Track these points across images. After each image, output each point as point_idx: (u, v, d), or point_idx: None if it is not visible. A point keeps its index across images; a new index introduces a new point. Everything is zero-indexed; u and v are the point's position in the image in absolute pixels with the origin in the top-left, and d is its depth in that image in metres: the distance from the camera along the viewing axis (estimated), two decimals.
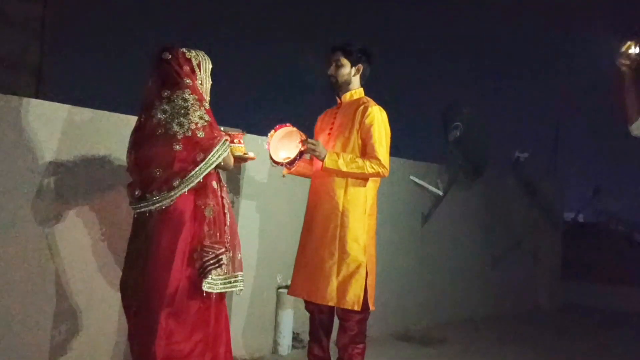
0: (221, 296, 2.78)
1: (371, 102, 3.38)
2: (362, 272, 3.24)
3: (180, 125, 2.63)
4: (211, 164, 2.66)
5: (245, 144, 3.01)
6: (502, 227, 6.85)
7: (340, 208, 3.28)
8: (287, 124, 3.35)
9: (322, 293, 3.24)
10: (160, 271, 2.62)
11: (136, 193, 2.68)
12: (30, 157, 3.18)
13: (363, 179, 3.31)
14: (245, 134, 3.11)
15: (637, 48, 3.05)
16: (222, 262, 2.66)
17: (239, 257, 2.82)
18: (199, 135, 2.64)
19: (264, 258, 4.38)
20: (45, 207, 3.22)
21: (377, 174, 3.27)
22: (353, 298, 3.21)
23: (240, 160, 3.00)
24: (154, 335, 2.58)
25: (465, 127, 6.04)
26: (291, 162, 3.26)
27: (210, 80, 2.87)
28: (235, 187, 4.16)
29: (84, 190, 3.37)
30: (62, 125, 3.29)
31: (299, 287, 3.39)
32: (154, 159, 2.63)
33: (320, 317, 3.42)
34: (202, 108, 2.70)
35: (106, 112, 3.50)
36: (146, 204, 2.65)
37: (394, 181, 5.23)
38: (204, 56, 2.85)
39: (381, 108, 3.35)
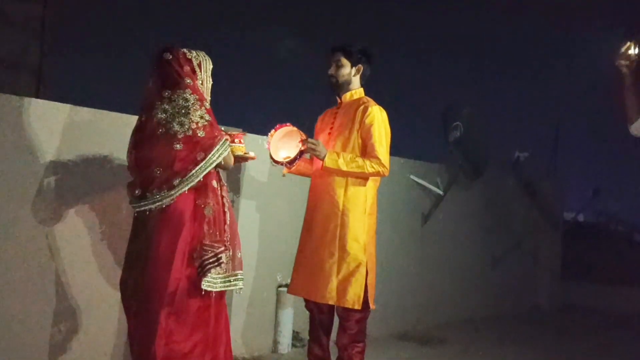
0: (221, 295, 2.78)
1: (371, 102, 3.38)
2: (362, 271, 3.25)
3: (181, 124, 2.63)
4: (211, 164, 2.67)
5: (245, 143, 3.02)
6: (502, 227, 6.86)
7: (340, 207, 3.29)
8: (287, 124, 3.35)
9: (322, 292, 3.24)
10: (160, 271, 2.62)
11: (136, 192, 2.69)
12: (30, 157, 3.18)
13: (363, 178, 3.31)
14: (245, 134, 3.12)
15: (637, 48, 3.05)
16: (221, 260, 2.67)
17: (239, 256, 2.82)
18: (199, 134, 2.64)
19: (263, 257, 4.39)
20: (45, 207, 3.23)
21: (377, 174, 3.27)
22: (353, 297, 3.21)
23: (240, 160, 3.01)
24: (154, 335, 2.58)
25: (465, 127, 6.05)
26: (291, 162, 3.26)
27: (210, 80, 2.88)
28: (235, 187, 4.17)
29: (84, 190, 3.38)
30: (62, 125, 3.29)
31: (298, 286, 3.39)
32: (154, 159, 2.64)
33: (320, 316, 3.42)
34: (203, 108, 2.71)
35: (106, 112, 3.50)
36: (146, 202, 2.65)
37: (394, 181, 5.24)
38: (204, 56, 2.86)
39: (381, 108, 3.36)
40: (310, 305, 3.43)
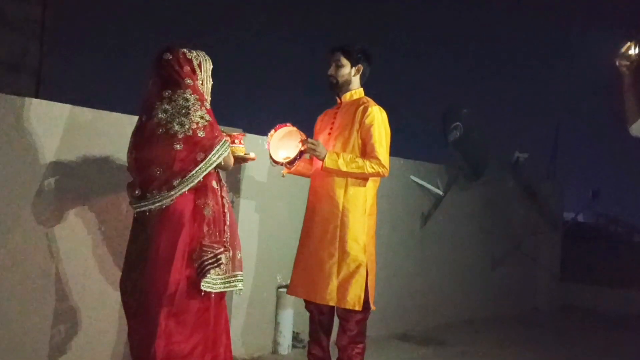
0: (221, 296, 2.78)
1: (371, 102, 3.38)
2: (363, 272, 3.25)
3: (181, 124, 2.63)
4: (212, 164, 2.66)
5: (245, 144, 3.02)
6: (501, 228, 6.85)
7: (340, 208, 3.28)
8: (287, 124, 3.35)
9: (322, 293, 3.24)
10: (159, 271, 2.62)
11: (136, 192, 2.69)
12: (30, 157, 3.18)
13: (363, 178, 3.31)
14: (245, 134, 3.12)
15: (637, 48, 3.04)
16: (220, 261, 2.66)
17: (239, 257, 2.81)
18: (199, 134, 2.64)
19: (263, 258, 4.38)
20: (45, 207, 3.22)
21: (377, 174, 3.27)
22: (354, 298, 3.21)
23: (240, 160, 3.01)
24: (154, 336, 2.58)
25: (465, 128, 6.05)
26: (291, 162, 3.26)
27: (210, 80, 2.88)
28: (235, 187, 4.16)
29: (84, 190, 3.37)
30: (62, 125, 3.29)
31: (298, 287, 3.39)
32: (154, 159, 2.63)
33: (320, 317, 3.42)
34: (203, 108, 2.70)
35: (106, 112, 3.50)
36: (146, 203, 2.65)
37: (394, 181, 5.24)
38: (204, 56, 2.85)
39: (381, 108, 3.36)
40: (310, 306, 3.42)
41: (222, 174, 2.88)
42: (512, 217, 7.06)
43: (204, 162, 2.64)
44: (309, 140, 3.23)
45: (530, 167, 7.55)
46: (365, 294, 3.24)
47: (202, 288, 2.63)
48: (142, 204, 2.66)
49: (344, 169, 3.21)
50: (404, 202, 5.60)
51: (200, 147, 2.64)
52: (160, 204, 2.63)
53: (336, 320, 3.42)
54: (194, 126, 2.64)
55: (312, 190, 3.47)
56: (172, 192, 2.62)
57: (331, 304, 3.25)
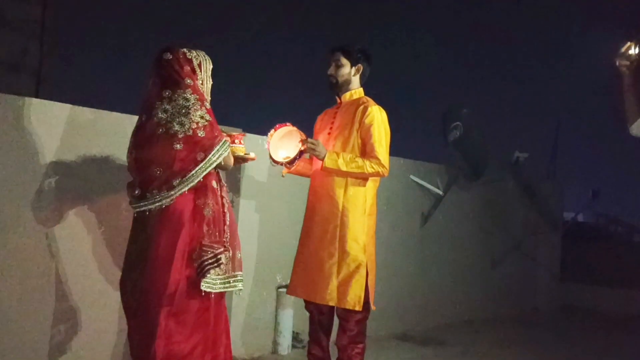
0: (221, 296, 2.78)
1: (371, 101, 3.38)
2: (363, 271, 3.25)
3: (181, 124, 2.63)
4: (211, 164, 2.66)
5: (245, 144, 3.02)
6: (501, 228, 6.85)
7: (340, 208, 3.28)
8: (287, 124, 3.35)
9: (322, 293, 3.24)
10: (159, 271, 2.62)
11: (136, 192, 2.69)
12: (30, 157, 3.18)
13: (363, 178, 3.31)
14: (245, 134, 3.11)
15: (637, 48, 3.04)
16: (220, 261, 2.66)
17: (239, 257, 2.81)
18: (199, 134, 2.64)
19: (263, 258, 4.39)
20: (45, 207, 3.22)
21: (377, 174, 3.27)
22: (354, 298, 3.21)
23: (240, 160, 3.01)
24: (154, 336, 2.58)
25: (465, 127, 6.05)
26: (291, 162, 3.26)
27: (211, 80, 2.88)
28: (235, 187, 4.16)
29: (84, 190, 3.37)
30: (62, 125, 3.29)
31: (298, 287, 3.39)
32: (154, 159, 2.63)
33: (320, 317, 3.42)
34: (203, 108, 2.70)
35: (106, 112, 3.51)
36: (146, 203, 2.65)
37: (394, 181, 5.24)
38: (204, 56, 2.85)
39: (381, 108, 3.36)
40: (310, 306, 3.42)
41: (222, 174, 2.88)
42: (512, 217, 7.06)
43: (204, 162, 2.64)
44: (309, 140, 3.23)
45: (530, 167, 7.55)
46: (366, 294, 3.24)
47: (202, 288, 2.63)
48: (142, 203, 2.66)
49: (343, 168, 3.21)
50: (404, 202, 5.60)
51: (200, 147, 2.64)
52: (160, 203, 2.63)
53: (336, 320, 3.42)
54: (194, 126, 2.64)
55: (312, 190, 3.47)
56: (172, 192, 2.62)
57: (331, 304, 3.25)
